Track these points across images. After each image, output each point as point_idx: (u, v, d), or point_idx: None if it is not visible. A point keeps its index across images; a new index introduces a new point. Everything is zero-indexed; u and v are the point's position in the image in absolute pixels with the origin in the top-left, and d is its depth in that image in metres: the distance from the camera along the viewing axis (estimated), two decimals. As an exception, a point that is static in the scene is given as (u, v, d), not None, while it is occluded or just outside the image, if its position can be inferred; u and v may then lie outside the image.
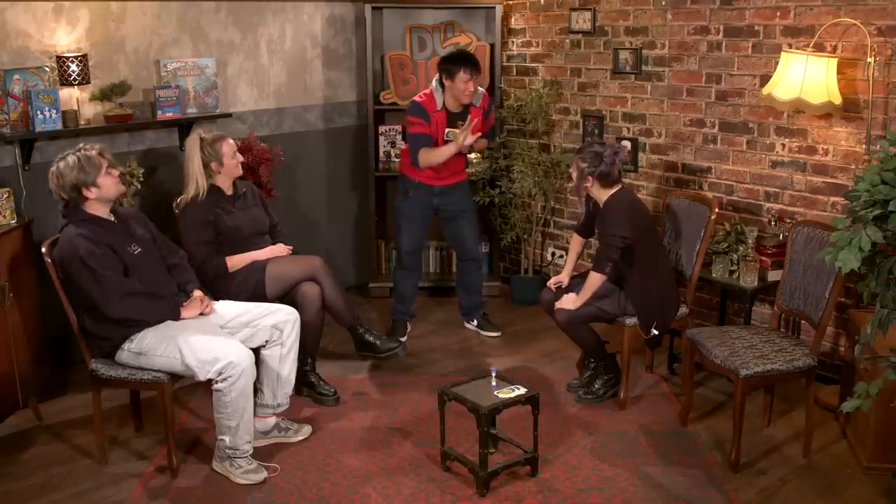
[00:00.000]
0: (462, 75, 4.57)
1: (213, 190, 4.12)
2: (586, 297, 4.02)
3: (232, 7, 5.17)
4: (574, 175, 4.08)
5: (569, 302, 4.05)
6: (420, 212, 4.93)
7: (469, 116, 4.63)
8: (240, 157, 4.19)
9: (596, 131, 5.38)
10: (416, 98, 4.76)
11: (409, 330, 5.13)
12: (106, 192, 3.52)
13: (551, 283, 4.31)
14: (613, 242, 3.95)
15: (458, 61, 4.62)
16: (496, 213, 5.74)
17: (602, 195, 4.05)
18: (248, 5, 5.25)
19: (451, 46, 5.62)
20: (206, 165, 4.06)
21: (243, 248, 4.17)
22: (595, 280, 4.00)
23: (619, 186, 4.05)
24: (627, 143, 5.16)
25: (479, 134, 4.69)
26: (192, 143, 4.07)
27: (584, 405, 4.20)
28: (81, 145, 3.54)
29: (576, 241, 4.46)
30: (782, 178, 4.49)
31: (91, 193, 3.48)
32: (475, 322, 5.22)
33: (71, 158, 3.47)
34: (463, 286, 5.19)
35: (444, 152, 4.62)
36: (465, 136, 4.53)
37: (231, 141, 4.15)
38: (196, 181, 4.05)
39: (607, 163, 3.95)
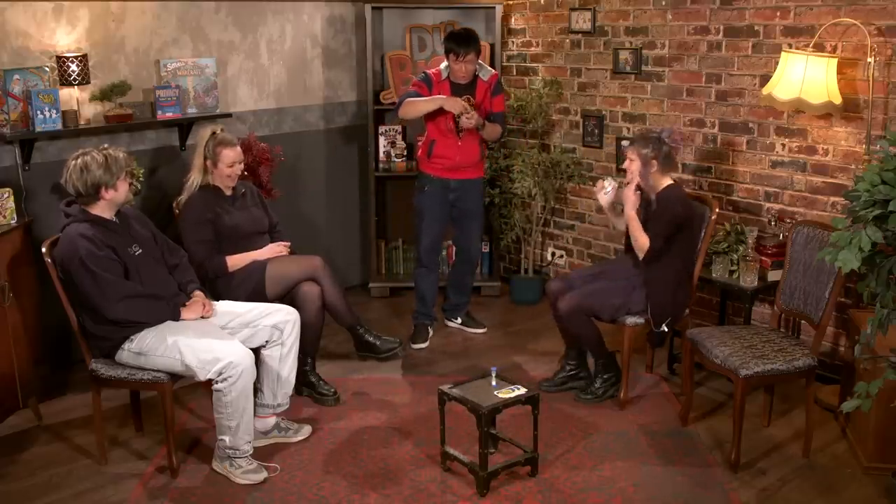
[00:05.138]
0: (451, 57, 4.62)
1: (212, 189, 4.13)
2: (633, 214, 4.02)
3: (232, 7, 5.17)
4: (635, 165, 4.04)
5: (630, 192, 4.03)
6: (438, 207, 4.86)
7: (475, 92, 4.72)
8: (237, 170, 4.13)
9: (596, 131, 5.38)
10: (426, 69, 4.91)
11: (431, 335, 5.04)
12: (120, 196, 3.52)
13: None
14: (657, 242, 3.97)
15: (449, 45, 4.62)
16: (496, 213, 5.73)
17: (660, 183, 4.04)
18: (248, 5, 5.25)
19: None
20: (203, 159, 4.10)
21: (243, 247, 4.16)
22: (644, 239, 4.00)
23: (671, 180, 4.07)
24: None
25: (470, 109, 4.63)
26: (203, 134, 4.11)
27: (584, 405, 4.20)
28: (105, 146, 3.52)
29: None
30: (782, 178, 4.49)
31: (108, 195, 3.47)
32: (459, 320, 5.21)
33: (99, 156, 3.43)
34: (456, 286, 5.17)
35: (425, 104, 4.61)
36: (455, 104, 4.55)
37: (237, 152, 4.11)
38: (195, 172, 4.10)
39: (668, 143, 3.99)
